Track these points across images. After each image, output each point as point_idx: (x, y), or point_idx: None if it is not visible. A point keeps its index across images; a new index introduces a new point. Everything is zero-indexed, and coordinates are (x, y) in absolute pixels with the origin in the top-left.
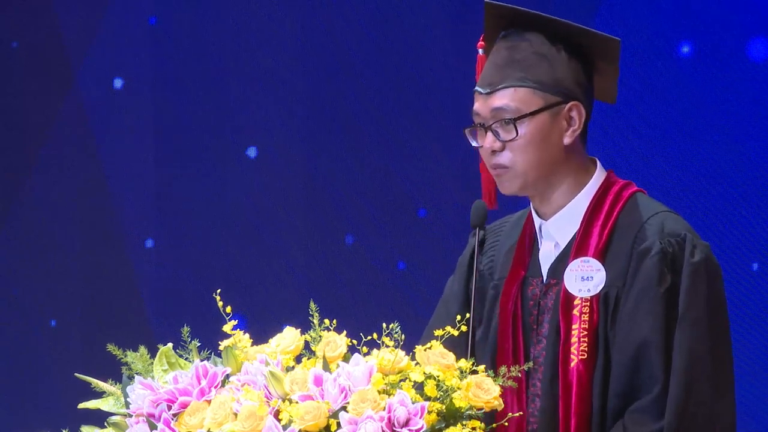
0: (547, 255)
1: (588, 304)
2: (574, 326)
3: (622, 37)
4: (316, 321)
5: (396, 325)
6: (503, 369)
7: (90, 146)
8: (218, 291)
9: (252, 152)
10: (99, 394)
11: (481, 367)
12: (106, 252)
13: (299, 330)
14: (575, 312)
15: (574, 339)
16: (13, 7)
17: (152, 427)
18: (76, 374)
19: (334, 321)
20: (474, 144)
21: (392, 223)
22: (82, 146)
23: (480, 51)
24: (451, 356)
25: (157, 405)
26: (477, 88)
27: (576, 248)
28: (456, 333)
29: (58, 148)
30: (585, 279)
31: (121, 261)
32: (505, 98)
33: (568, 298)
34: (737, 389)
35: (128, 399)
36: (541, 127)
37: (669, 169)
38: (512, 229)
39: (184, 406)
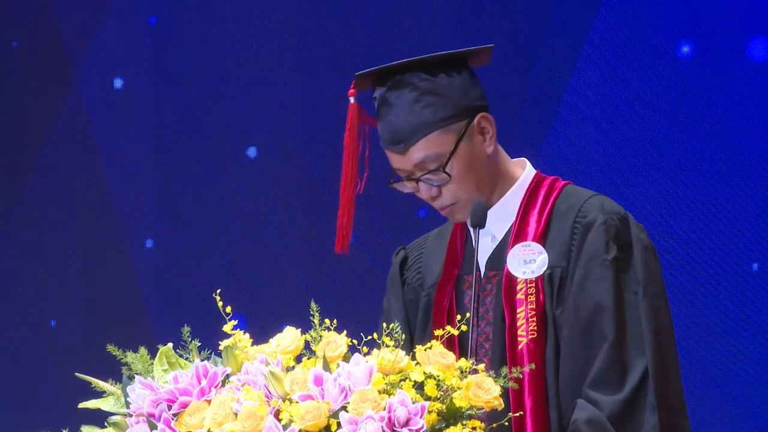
0: (484, 249)
1: (533, 285)
2: (519, 309)
3: (622, 37)
4: (316, 321)
5: (396, 325)
6: (504, 369)
7: (90, 146)
8: (218, 291)
9: (252, 152)
10: (99, 394)
11: (481, 366)
12: (106, 252)
13: (299, 330)
14: (520, 296)
15: (521, 321)
16: (13, 7)
17: (152, 426)
18: (76, 374)
19: (334, 321)
20: (406, 191)
21: (392, 223)
22: (82, 146)
23: (351, 99)
24: (452, 356)
25: (157, 405)
26: (385, 147)
27: (514, 236)
28: (456, 332)
29: (58, 148)
30: (528, 262)
31: (121, 261)
32: (421, 150)
33: (510, 283)
34: (737, 389)
35: (128, 399)
36: (465, 156)
37: (669, 168)
38: (436, 240)
39: (184, 405)
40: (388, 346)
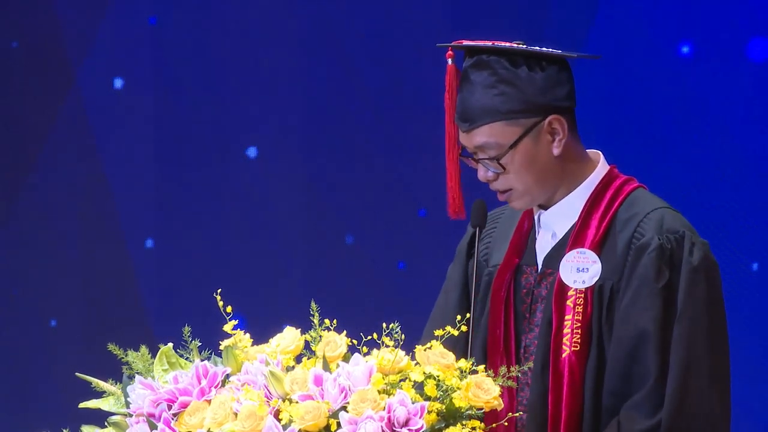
0: (543, 245)
1: (582, 295)
2: (567, 317)
3: (622, 37)
4: (316, 321)
5: (396, 325)
6: (503, 369)
7: (90, 146)
8: (218, 291)
9: (252, 152)
10: (99, 394)
11: (481, 367)
12: (106, 252)
13: (299, 330)
14: (569, 303)
15: (566, 330)
16: (13, 7)
17: (152, 426)
18: (76, 374)
19: (334, 321)
20: (471, 166)
21: (392, 223)
22: (82, 146)
23: (449, 61)
24: (451, 356)
25: (158, 405)
26: (456, 121)
27: (573, 239)
28: (456, 333)
29: (58, 148)
30: (580, 270)
31: (121, 261)
32: (483, 136)
33: (562, 288)
34: (737, 389)
35: (128, 399)
36: (526, 153)
37: (669, 168)
38: (510, 217)
39: (185, 405)
40: (388, 346)
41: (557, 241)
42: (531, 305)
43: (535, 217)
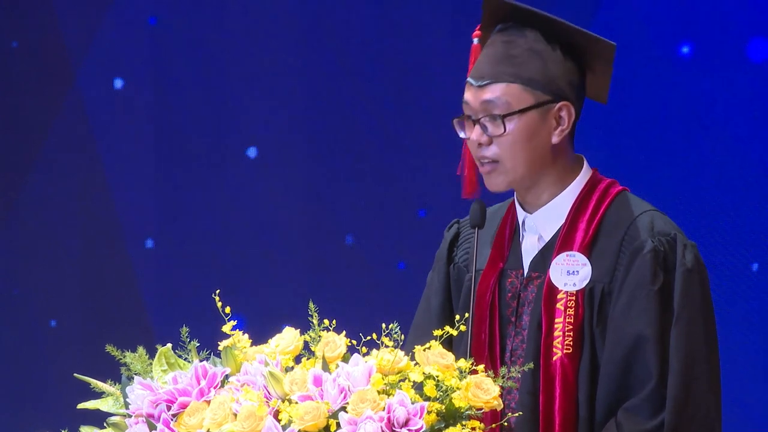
0: (529, 248)
1: (573, 298)
2: (557, 320)
3: (622, 37)
4: (315, 321)
5: (395, 325)
6: (503, 369)
7: (90, 146)
8: (218, 291)
9: (252, 152)
10: (98, 395)
11: (481, 367)
12: (106, 252)
13: (298, 330)
14: (559, 306)
15: (557, 333)
16: (13, 7)
17: (152, 427)
18: (75, 374)
19: (334, 321)
20: (461, 135)
21: (392, 223)
22: (82, 146)
23: (475, 40)
24: (451, 356)
25: (157, 405)
26: (469, 78)
27: (561, 242)
28: (455, 333)
29: (58, 148)
30: (570, 273)
31: (121, 261)
32: (496, 92)
33: (552, 291)
34: (737, 389)
35: (127, 399)
36: (529, 125)
37: (669, 169)
38: (489, 222)
39: (184, 406)
40: (387, 346)
41: (544, 244)
42: (517, 309)
43: (520, 221)
